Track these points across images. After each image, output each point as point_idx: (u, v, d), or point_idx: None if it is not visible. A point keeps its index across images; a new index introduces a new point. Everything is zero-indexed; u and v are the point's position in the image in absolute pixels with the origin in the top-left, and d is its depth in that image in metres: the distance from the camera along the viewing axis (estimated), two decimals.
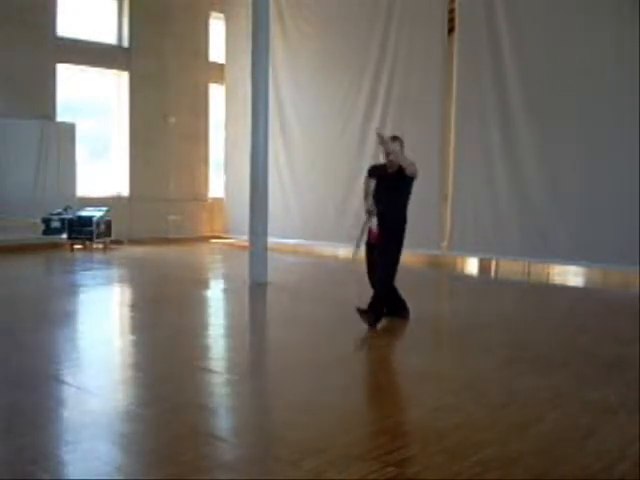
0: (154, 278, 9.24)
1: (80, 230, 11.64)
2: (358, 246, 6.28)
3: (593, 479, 2.90)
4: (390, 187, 5.93)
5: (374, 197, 6.04)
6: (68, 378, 4.26)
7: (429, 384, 4.37)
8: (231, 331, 6.18)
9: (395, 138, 6.01)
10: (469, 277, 10.98)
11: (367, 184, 6.12)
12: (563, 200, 9.07)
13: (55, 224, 11.54)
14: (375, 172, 6.13)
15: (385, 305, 5.95)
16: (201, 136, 14.28)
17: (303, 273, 10.25)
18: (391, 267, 5.89)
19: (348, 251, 11.90)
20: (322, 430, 3.46)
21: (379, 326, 5.75)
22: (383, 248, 5.87)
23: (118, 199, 13.01)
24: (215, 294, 8.44)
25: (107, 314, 6.93)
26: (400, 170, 5.81)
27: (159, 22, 13.26)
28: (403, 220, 5.95)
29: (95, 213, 11.79)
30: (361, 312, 5.75)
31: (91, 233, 11.64)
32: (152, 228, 13.18)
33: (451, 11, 10.44)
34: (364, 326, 5.71)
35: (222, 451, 3.21)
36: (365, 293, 5.97)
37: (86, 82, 12.79)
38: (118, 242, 12.47)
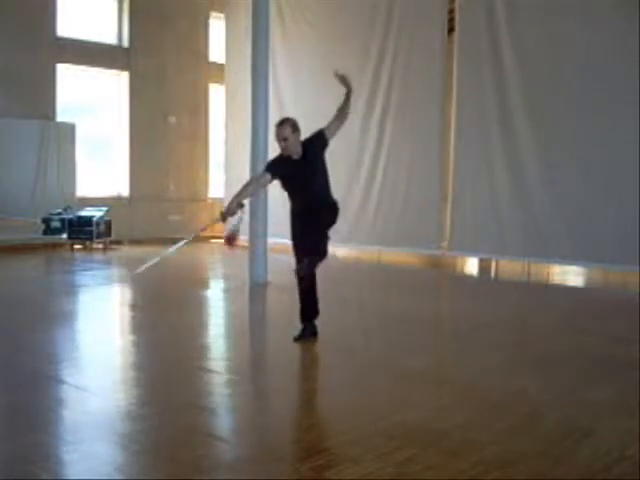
0: (154, 278, 9.23)
1: (80, 230, 11.64)
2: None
3: (593, 479, 2.90)
4: (311, 170, 5.15)
5: (291, 193, 5.33)
6: (68, 378, 4.26)
7: (429, 384, 4.37)
8: (231, 331, 6.19)
9: (286, 121, 5.09)
10: (469, 277, 10.98)
11: (259, 179, 5.40)
12: (563, 200, 9.07)
13: (55, 224, 11.54)
14: (279, 167, 5.18)
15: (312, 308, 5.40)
16: (201, 136, 14.29)
17: None
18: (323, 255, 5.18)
19: (347, 251, 11.94)
20: (322, 430, 3.46)
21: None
22: (321, 233, 5.14)
23: (118, 199, 13.02)
24: (215, 294, 8.44)
25: (107, 314, 6.93)
26: (306, 149, 5.09)
27: (159, 22, 13.27)
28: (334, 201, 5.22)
29: (95, 213, 11.79)
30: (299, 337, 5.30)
31: (91, 233, 11.64)
32: (152, 228, 13.17)
33: (451, 11, 10.43)
34: (364, 326, 5.70)
35: (222, 451, 3.21)
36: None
37: (86, 82, 12.80)
38: (118, 242, 12.47)
